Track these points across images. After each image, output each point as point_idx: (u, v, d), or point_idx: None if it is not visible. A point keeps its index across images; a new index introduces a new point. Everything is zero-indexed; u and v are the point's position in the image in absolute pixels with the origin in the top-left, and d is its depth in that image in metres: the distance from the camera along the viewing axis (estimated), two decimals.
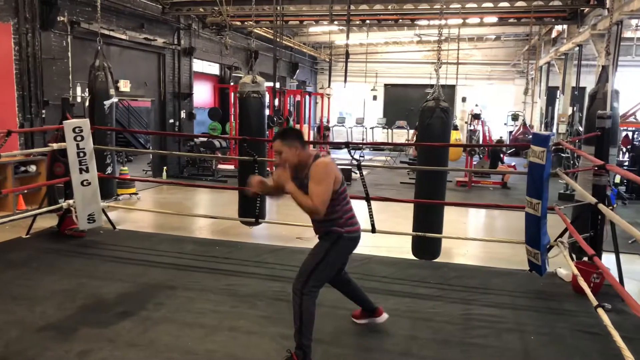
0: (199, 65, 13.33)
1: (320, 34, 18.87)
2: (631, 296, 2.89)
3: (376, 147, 19.88)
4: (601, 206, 3.89)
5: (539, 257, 4.45)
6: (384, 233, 5.46)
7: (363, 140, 19.69)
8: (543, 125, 16.61)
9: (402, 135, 19.30)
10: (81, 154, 5.69)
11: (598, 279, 4.44)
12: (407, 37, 19.48)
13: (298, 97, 15.96)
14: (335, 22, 12.50)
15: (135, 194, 8.97)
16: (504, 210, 8.63)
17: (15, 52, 7.47)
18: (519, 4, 10.58)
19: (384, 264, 5.36)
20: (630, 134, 11.29)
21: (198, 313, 3.97)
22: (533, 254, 4.54)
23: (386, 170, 13.78)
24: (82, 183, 5.75)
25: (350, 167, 9.97)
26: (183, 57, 11.84)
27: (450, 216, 6.14)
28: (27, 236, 5.93)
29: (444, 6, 9.43)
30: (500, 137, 16.47)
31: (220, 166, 12.52)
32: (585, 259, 4.85)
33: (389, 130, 19.88)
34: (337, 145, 17.98)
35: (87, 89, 7.13)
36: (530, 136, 5.78)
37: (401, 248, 5.75)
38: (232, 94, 13.23)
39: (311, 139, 16.79)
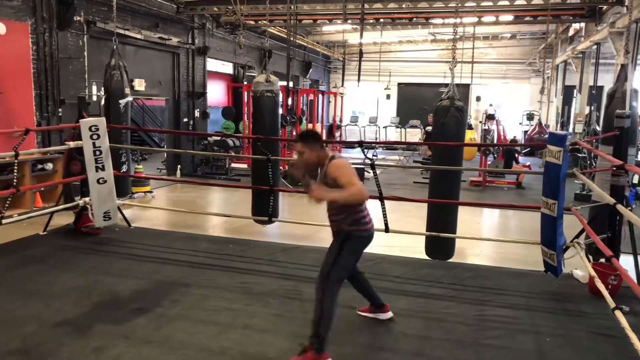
0: (212, 65, 13.40)
1: (334, 32, 18.84)
2: None
3: (389, 146, 19.81)
4: (620, 207, 3.83)
5: (555, 258, 4.40)
6: (398, 233, 5.44)
7: (376, 139, 19.63)
8: (559, 125, 16.41)
9: (416, 134, 19.21)
10: (97, 152, 5.75)
11: (616, 281, 4.37)
12: (421, 35, 19.37)
13: (311, 96, 15.96)
14: (349, 21, 12.46)
15: (150, 192, 9.05)
16: (519, 210, 8.55)
17: (33, 51, 7.57)
18: (535, 1, 10.46)
19: (397, 263, 5.34)
20: None
21: (212, 310, 3.99)
22: (549, 254, 4.49)
23: (399, 169, 13.73)
24: (98, 181, 5.81)
25: (363, 166, 9.97)
26: (197, 57, 11.90)
27: (464, 216, 6.10)
28: (44, 233, 6.01)
29: (459, 4, 9.37)
30: (514, 137, 16.29)
31: (234, 165, 12.58)
32: (603, 260, 4.78)
33: (402, 130, 19.80)
34: (351, 145, 17.94)
35: (102, 88, 7.21)
36: (546, 136, 5.72)
37: (414, 248, 5.73)
38: (246, 93, 13.27)
39: (324, 138, 16.78)
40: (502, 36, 19.51)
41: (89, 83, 8.57)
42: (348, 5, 10.80)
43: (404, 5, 10.99)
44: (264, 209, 5.92)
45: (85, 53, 8.48)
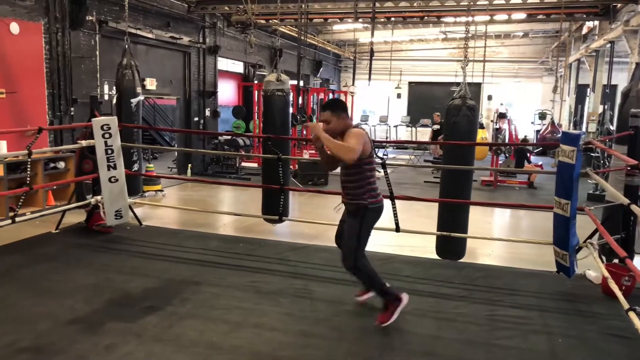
0: (223, 64, 13.43)
1: (345, 31, 18.80)
2: None
3: (400, 145, 19.74)
4: (634, 207, 3.78)
5: (567, 259, 4.36)
6: (408, 232, 5.41)
7: (387, 138, 19.57)
8: (572, 124, 16.25)
9: (426, 133, 19.06)
10: (109, 151, 5.79)
11: (629, 282, 4.32)
12: (432, 34, 19.26)
13: (322, 95, 15.95)
14: (360, 20, 12.42)
15: (161, 190, 9.09)
16: (530, 210, 8.48)
17: (46, 51, 7.64)
18: None
19: (408, 263, 5.32)
20: None
21: (222, 309, 4.00)
22: (561, 255, 4.45)
23: (410, 168, 13.67)
24: (109, 180, 5.85)
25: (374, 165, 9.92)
26: (208, 56, 11.94)
27: (475, 216, 6.06)
28: (57, 231, 6.07)
29: (472, 2, 9.30)
30: (525, 137, 16.15)
31: (244, 164, 12.61)
32: (616, 261, 4.73)
33: (413, 129, 19.71)
34: None
35: (114, 87, 7.25)
36: (559, 135, 5.66)
37: (425, 248, 5.70)
38: (256, 92, 13.30)
39: None
40: (515, 34, 19.34)
41: (101, 82, 8.63)
42: (359, 4, 10.76)
43: (415, 4, 10.93)
44: (274, 208, 5.93)
45: (97, 52, 8.54)
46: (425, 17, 11.40)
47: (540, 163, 13.19)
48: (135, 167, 6.60)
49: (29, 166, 5.39)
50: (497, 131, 13.57)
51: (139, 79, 6.63)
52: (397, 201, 5.20)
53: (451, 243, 5.27)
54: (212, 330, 3.64)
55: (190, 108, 11.63)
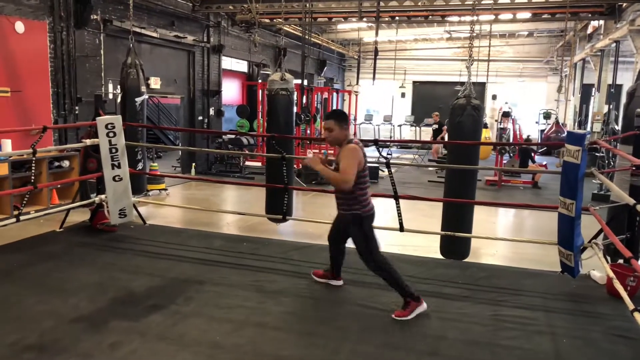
0: (227, 63, 13.44)
1: (349, 30, 18.78)
2: None
3: (404, 144, 19.70)
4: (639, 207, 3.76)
5: (572, 259, 4.33)
6: (413, 232, 5.40)
7: (391, 138, 19.54)
8: (577, 124, 16.17)
9: (430, 133, 19.07)
10: (113, 150, 5.79)
11: (634, 282, 4.30)
12: (436, 33, 19.23)
13: (325, 95, 15.94)
14: (364, 19, 12.42)
15: (165, 189, 9.11)
16: (534, 210, 8.45)
17: (51, 50, 7.66)
18: None
19: (411, 263, 5.30)
20: None
21: (226, 308, 4.01)
22: (566, 255, 4.42)
23: (414, 168, 13.66)
24: (114, 178, 5.86)
25: (377, 164, 9.93)
26: (212, 55, 11.95)
27: (480, 215, 6.04)
28: (61, 230, 6.08)
29: (476, 1, 9.28)
30: (528, 136, 16.09)
31: (248, 163, 12.62)
32: (621, 261, 4.71)
33: (417, 128, 19.68)
34: (365, 143, 17.86)
35: (119, 86, 7.27)
36: (563, 135, 5.64)
37: (428, 247, 5.69)
38: (260, 91, 13.30)
39: None
40: (519, 34, 19.28)
41: (105, 81, 8.65)
42: (363, 3, 10.76)
43: (419, 3, 10.90)
44: (278, 207, 5.93)
45: (102, 51, 8.56)
46: (430, 16, 11.38)
47: (544, 163, 13.15)
48: (140, 166, 6.61)
49: (33, 165, 5.41)
50: (502, 131, 13.53)
51: (144, 78, 6.64)
52: (401, 201, 5.19)
53: (455, 243, 5.25)
54: (216, 329, 3.64)
55: (195, 107, 11.65)
